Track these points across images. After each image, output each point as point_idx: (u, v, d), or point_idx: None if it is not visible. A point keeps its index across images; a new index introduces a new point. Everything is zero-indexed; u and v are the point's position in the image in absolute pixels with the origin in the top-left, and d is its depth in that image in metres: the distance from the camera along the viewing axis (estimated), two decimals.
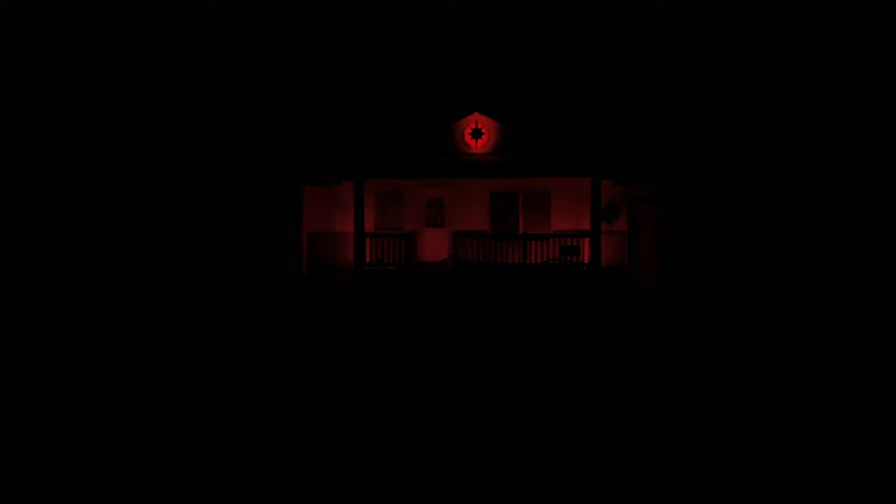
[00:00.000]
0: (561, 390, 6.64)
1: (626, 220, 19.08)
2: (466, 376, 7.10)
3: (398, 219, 20.06)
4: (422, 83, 22.00)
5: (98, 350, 8.14)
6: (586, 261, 17.99)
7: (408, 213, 20.07)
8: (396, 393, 6.11)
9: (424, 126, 18.68)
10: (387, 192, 20.05)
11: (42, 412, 5.05)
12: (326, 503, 3.88)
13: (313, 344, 9.26)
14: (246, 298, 15.79)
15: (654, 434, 5.07)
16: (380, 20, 20.81)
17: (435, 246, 20.00)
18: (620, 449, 4.78)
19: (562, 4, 20.61)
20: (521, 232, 19.31)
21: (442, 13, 20.54)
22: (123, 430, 5.14)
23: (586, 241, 18.16)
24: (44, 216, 16.03)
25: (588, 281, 17.42)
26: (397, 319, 12.96)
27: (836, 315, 13.16)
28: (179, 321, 10.59)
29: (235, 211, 18.35)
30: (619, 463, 4.57)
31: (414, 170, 18.11)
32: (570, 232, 18.62)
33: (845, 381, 7.86)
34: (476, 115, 18.14)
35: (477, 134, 18.19)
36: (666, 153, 19.30)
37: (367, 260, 18.29)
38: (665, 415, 5.66)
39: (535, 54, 20.83)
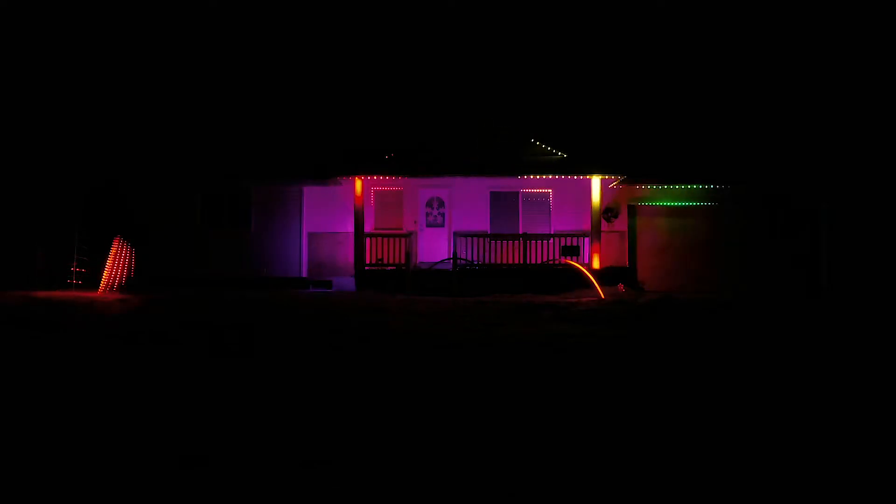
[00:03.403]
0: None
1: (626, 220, 19.10)
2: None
3: (398, 219, 19.96)
4: (422, 81, 21.97)
5: None
6: (586, 261, 17.94)
7: (408, 213, 19.99)
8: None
9: (423, 124, 18.67)
10: (387, 191, 19.97)
11: None
12: None
13: None
14: None
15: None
16: (381, 20, 20.81)
17: (435, 246, 19.91)
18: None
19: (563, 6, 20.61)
20: (521, 232, 19.23)
21: (444, 11, 20.54)
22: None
23: (586, 240, 18.11)
24: None
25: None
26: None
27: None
28: None
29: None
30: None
31: (413, 168, 18.02)
32: (570, 232, 18.56)
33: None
34: (476, 113, 18.15)
35: (477, 133, 18.18)
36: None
37: (368, 260, 18.25)
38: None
39: (536, 53, 20.82)
